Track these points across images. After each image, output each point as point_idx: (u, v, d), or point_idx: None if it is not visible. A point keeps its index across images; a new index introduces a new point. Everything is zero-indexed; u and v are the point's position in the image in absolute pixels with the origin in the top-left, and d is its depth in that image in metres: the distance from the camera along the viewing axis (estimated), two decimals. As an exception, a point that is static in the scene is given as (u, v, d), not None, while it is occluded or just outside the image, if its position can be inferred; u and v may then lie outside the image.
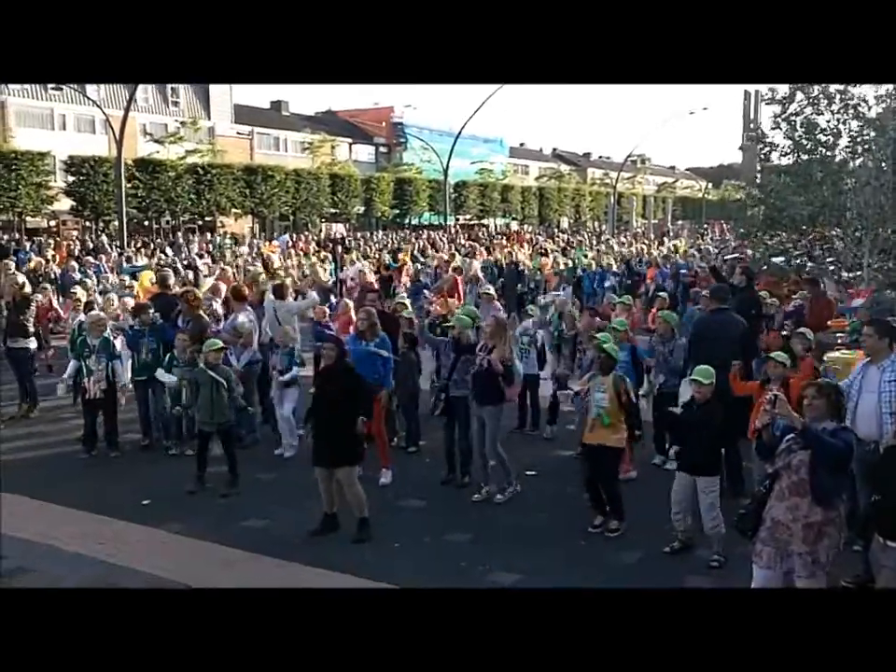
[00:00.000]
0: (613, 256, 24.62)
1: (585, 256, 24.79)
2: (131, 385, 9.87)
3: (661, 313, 9.67)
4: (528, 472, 8.70)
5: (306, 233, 40.40)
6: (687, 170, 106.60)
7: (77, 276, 18.05)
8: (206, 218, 43.31)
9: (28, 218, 36.01)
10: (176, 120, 44.88)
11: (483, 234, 46.96)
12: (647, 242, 35.17)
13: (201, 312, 10.15)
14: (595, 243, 36.85)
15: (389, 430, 9.25)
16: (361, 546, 6.86)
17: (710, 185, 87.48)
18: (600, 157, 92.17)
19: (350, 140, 60.67)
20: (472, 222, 60.18)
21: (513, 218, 64.01)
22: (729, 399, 7.20)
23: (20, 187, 33.63)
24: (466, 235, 42.98)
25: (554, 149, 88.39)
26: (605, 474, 7.19)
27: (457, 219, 57.57)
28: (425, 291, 15.94)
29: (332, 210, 50.84)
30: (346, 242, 32.64)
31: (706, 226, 60.15)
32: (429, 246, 30.92)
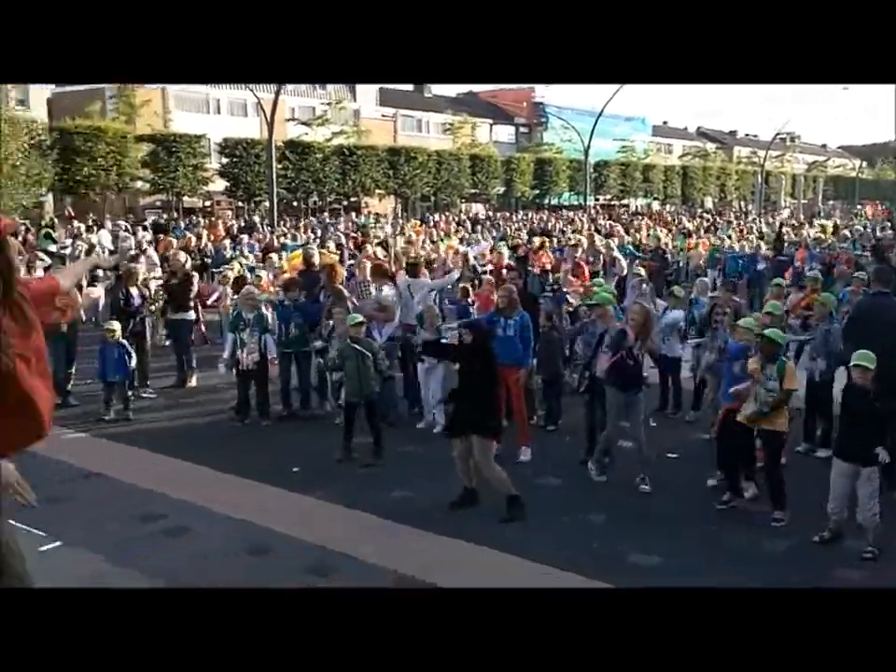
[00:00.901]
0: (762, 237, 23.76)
1: (729, 237, 24.03)
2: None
3: (820, 295, 9.31)
4: (669, 455, 8.57)
5: (446, 213, 40.73)
6: (839, 148, 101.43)
7: (229, 254, 18.88)
8: (351, 199, 44.31)
9: (185, 198, 37.80)
10: (323, 103, 46.03)
11: (623, 215, 46.14)
12: (794, 223, 33.65)
13: (340, 286, 10.48)
14: (741, 223, 35.57)
15: (529, 408, 9.28)
16: (497, 521, 6.94)
17: (864, 163, 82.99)
18: (747, 135, 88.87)
19: (491, 121, 60.71)
20: (612, 202, 59.22)
21: (655, 198, 62.60)
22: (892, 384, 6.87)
23: (178, 168, 35.40)
24: (606, 215, 42.34)
25: (699, 128, 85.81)
26: (769, 459, 7.03)
27: (597, 199, 56.78)
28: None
29: (472, 190, 51.10)
30: (485, 222, 32.81)
31: (858, 206, 57.18)
32: (569, 227, 30.63)
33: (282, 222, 30.02)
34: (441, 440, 9.10)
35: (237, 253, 19.03)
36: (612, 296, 8.54)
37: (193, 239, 18.68)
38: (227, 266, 14.55)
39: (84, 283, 13.76)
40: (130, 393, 10.26)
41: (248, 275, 14.34)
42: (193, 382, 11.83)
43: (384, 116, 53.00)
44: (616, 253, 17.38)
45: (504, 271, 11.99)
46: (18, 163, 26.91)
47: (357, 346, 8.58)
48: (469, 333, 7.30)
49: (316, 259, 12.20)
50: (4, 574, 3.39)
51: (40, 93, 34.98)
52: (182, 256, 13.21)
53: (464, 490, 7.24)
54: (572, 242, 18.43)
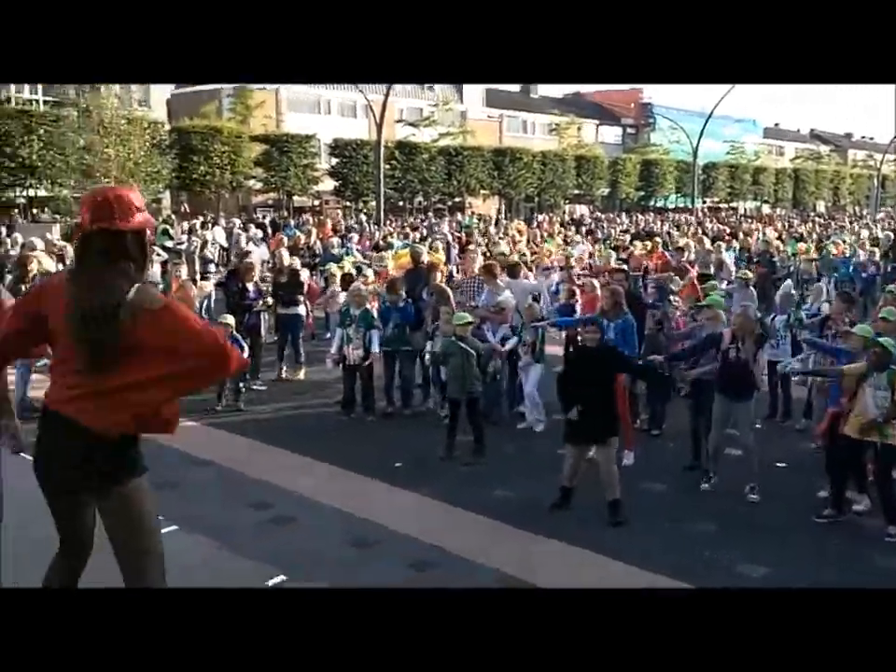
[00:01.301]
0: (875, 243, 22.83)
1: (843, 241, 23.18)
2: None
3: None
4: (778, 464, 8.35)
5: (550, 214, 40.56)
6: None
7: (337, 252, 19.25)
8: (455, 199, 44.57)
9: (295, 197, 38.73)
10: (430, 104, 46.45)
11: (731, 218, 45.02)
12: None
13: (442, 284, 10.58)
14: (855, 228, 34.21)
15: (632, 412, 9.19)
16: (600, 524, 6.90)
17: None
18: (863, 137, 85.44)
19: (597, 121, 60.13)
20: (720, 205, 57.85)
21: (765, 201, 60.85)
22: None
23: (289, 168, 36.29)
24: (713, 219, 41.39)
25: (812, 130, 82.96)
26: (881, 473, 6.80)
27: (704, 202, 55.58)
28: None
29: (577, 191, 50.73)
30: (589, 224, 32.52)
31: None
32: (675, 230, 30.09)
33: (388, 222, 30.45)
34: (541, 439, 9.18)
35: (345, 251, 19.38)
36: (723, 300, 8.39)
37: (303, 237, 19.12)
38: (335, 264, 14.81)
39: (197, 277, 14.28)
40: (241, 385, 10.58)
41: (355, 273, 14.61)
42: (301, 375, 12.13)
43: (489, 117, 53.12)
44: (724, 257, 17.03)
45: (609, 273, 11.89)
46: (139, 161, 28.06)
47: (461, 344, 8.65)
48: (594, 332, 7.27)
49: (425, 258, 12.33)
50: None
51: (160, 94, 36.37)
52: (286, 253, 13.56)
53: (562, 490, 7.22)
54: (679, 245, 18.14)
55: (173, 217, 26.81)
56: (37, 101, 31.78)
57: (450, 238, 20.91)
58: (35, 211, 30.56)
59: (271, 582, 5.48)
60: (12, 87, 31.54)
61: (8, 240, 16.57)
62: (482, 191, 45.30)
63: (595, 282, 11.60)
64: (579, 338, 7.45)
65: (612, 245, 19.47)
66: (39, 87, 32.31)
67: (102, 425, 3.29)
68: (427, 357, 10.09)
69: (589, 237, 25.88)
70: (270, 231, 23.98)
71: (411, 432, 9.61)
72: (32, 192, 29.82)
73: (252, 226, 25.20)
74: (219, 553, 6.01)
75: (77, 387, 3.32)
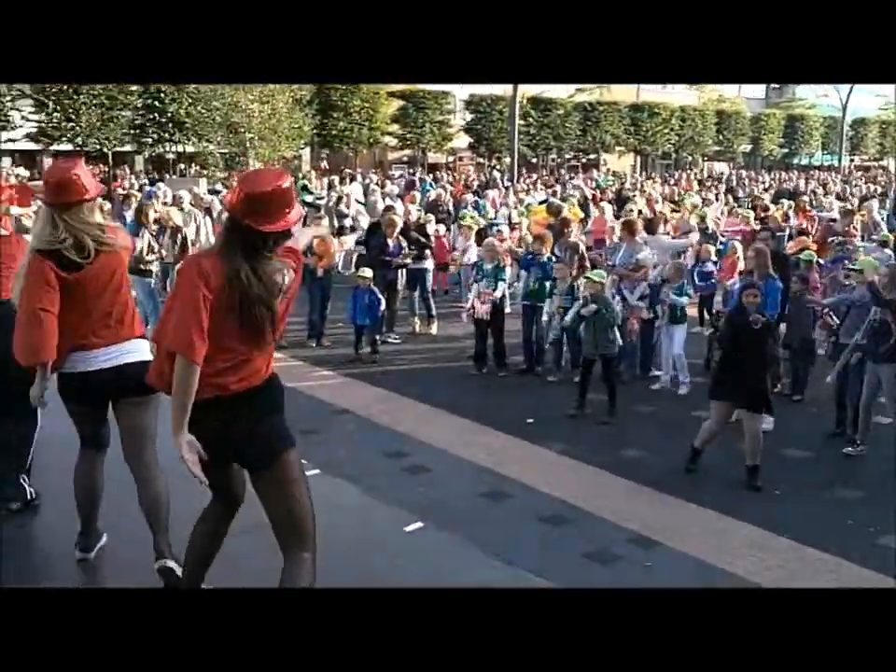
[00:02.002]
0: None
1: None
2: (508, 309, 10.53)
3: None
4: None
5: (688, 172, 39.40)
6: None
7: (471, 209, 19.29)
8: (590, 156, 43.86)
9: (430, 154, 38.97)
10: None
11: (881, 176, 42.58)
12: None
13: (575, 240, 10.48)
14: None
15: (773, 376, 8.92)
16: (737, 488, 6.78)
17: None
18: None
19: (741, 75, 57.68)
20: (869, 163, 54.78)
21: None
22: None
23: (425, 124, 36.48)
24: (862, 177, 39.24)
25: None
26: None
27: (852, 160, 52.75)
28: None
29: (716, 148, 49.05)
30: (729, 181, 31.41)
31: None
32: (821, 189, 28.71)
33: (521, 178, 30.27)
34: (673, 400, 9.06)
35: (473, 209, 19.41)
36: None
37: (441, 193, 19.26)
38: (469, 219, 14.86)
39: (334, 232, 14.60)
40: (377, 337, 10.83)
41: (489, 229, 14.66)
42: (433, 330, 12.31)
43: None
44: (876, 216, 16.20)
45: (753, 234, 11.52)
46: (282, 118, 28.77)
47: (595, 303, 8.59)
48: (755, 295, 7.10)
49: (565, 213, 12.24)
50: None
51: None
52: (413, 207, 13.69)
53: (693, 451, 7.11)
54: (824, 205, 17.35)
55: (312, 172, 27.43)
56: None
57: (587, 193, 20.60)
58: (182, 166, 31.89)
59: (408, 528, 5.66)
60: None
61: (160, 192, 17.35)
62: (617, 148, 44.37)
63: (737, 244, 11.26)
64: (718, 303, 7.31)
65: (751, 205, 18.75)
66: (188, 45, 33.39)
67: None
68: (546, 314, 10.08)
69: (729, 195, 25.00)
70: (404, 188, 24.26)
71: (544, 389, 9.63)
72: (180, 148, 31.08)
73: (389, 182, 25.54)
74: (361, 498, 6.22)
75: (241, 363, 3.47)
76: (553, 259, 10.30)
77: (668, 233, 12.87)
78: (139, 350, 4.42)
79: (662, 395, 9.39)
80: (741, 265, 10.28)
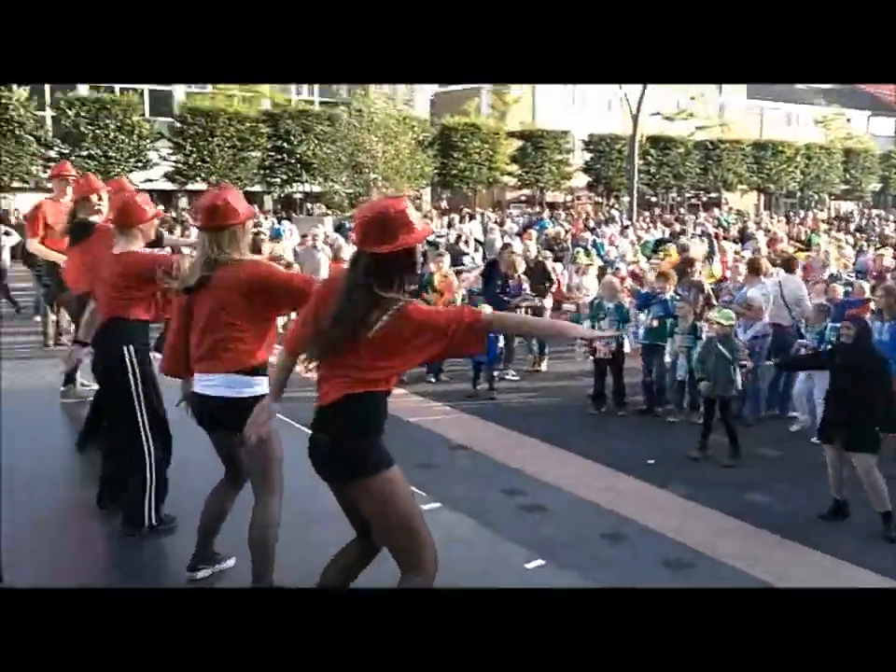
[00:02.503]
0: None
1: None
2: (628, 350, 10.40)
3: None
4: None
5: (814, 211, 38.23)
6: None
7: (588, 246, 19.23)
8: (711, 194, 43.10)
9: (548, 193, 39.12)
10: (691, 98, 45.19)
11: None
12: None
13: (699, 278, 10.31)
14: None
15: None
16: (877, 539, 6.49)
17: None
18: None
19: (869, 112, 55.76)
20: None
21: None
22: None
23: (544, 163, 36.67)
24: None
25: None
26: None
27: None
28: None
29: (844, 187, 47.41)
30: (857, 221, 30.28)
31: None
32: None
33: (640, 217, 30.02)
34: (802, 442, 8.74)
35: (590, 246, 19.35)
36: None
37: (561, 231, 19.31)
38: (584, 257, 14.83)
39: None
40: (495, 373, 10.89)
41: (608, 268, 14.60)
42: (543, 367, 12.31)
43: (750, 109, 50.80)
44: None
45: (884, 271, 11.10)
46: (405, 158, 29.45)
47: (720, 346, 8.43)
48: (850, 329, 6.88)
49: (692, 252, 12.09)
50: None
51: (424, 93, 37.93)
52: (533, 245, 13.76)
53: (833, 502, 6.85)
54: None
55: (433, 211, 27.89)
56: (314, 101, 34.22)
57: (711, 231, 20.27)
58: (308, 205, 32.97)
59: (529, 565, 5.64)
60: (293, 88, 34.17)
61: (288, 231, 18.02)
62: (739, 186, 43.46)
63: (864, 283, 10.87)
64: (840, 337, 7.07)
65: (881, 244, 18.07)
66: (316, 88, 34.77)
67: None
68: (668, 354, 9.92)
69: (859, 235, 24.15)
70: (520, 227, 24.45)
71: (664, 430, 9.47)
72: (307, 188, 32.17)
73: (508, 220, 25.75)
74: (481, 532, 6.23)
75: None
76: (677, 297, 10.17)
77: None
78: (233, 385, 4.22)
79: (795, 437, 9.09)
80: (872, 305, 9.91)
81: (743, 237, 20.97)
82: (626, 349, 10.70)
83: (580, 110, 44.24)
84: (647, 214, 33.19)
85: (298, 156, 30.46)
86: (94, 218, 6.34)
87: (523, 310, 11.77)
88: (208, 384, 4.21)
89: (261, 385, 4.19)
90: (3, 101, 24.59)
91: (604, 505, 7.09)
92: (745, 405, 9.64)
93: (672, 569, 5.91)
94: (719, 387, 8.44)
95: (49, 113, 28.07)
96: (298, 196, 32.97)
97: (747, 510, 7.04)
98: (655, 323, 10.09)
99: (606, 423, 9.78)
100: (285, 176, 30.78)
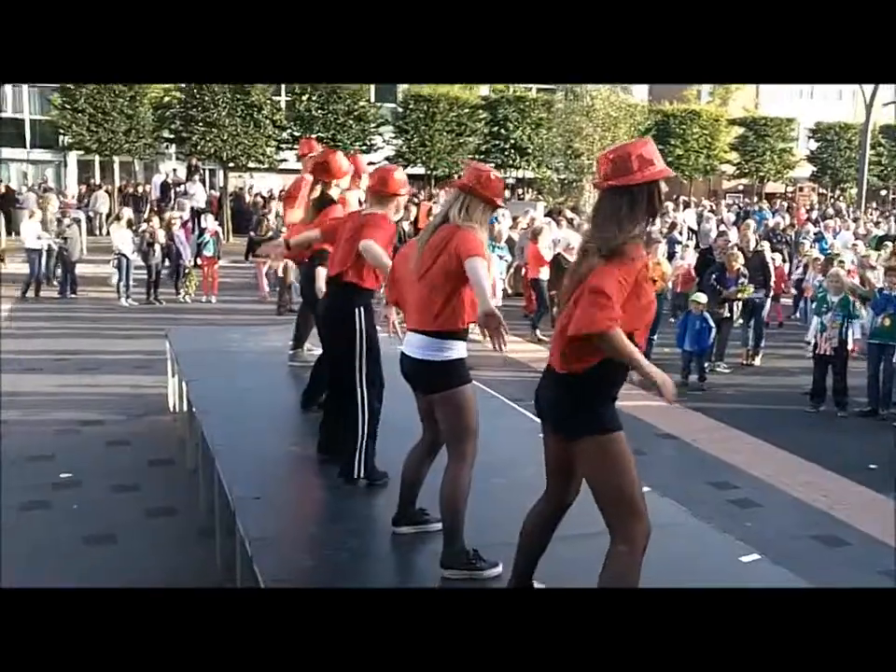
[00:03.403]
0: None
1: None
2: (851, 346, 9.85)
3: None
4: None
5: None
6: None
7: (811, 239, 18.29)
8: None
9: (768, 183, 37.41)
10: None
11: None
12: None
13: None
14: None
15: None
16: None
17: None
18: None
19: None
20: None
21: None
22: None
23: (766, 152, 35.08)
24: None
25: None
26: None
27: None
28: None
29: None
30: None
31: None
32: None
33: (868, 210, 28.18)
34: None
35: (819, 240, 18.42)
36: None
37: (775, 222, 18.55)
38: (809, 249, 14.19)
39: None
40: (706, 365, 10.67)
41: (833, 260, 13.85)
42: (757, 361, 11.96)
43: None
44: None
45: None
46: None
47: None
48: None
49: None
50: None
51: (645, 79, 37.19)
52: (752, 235, 13.27)
53: None
54: None
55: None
56: (531, 87, 34.40)
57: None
58: (520, 191, 33.23)
59: (745, 559, 5.53)
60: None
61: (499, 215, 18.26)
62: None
63: None
64: None
65: None
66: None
67: None
68: None
69: None
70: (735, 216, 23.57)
71: (888, 433, 8.95)
72: (520, 173, 32.44)
73: (725, 209, 24.91)
74: (691, 521, 6.17)
75: None
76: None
77: None
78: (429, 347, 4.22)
79: None
80: None
81: None
82: (849, 345, 10.13)
83: (807, 97, 41.98)
84: (875, 206, 31.13)
85: (513, 141, 30.74)
86: (333, 192, 6.69)
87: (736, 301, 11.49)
88: (410, 343, 4.29)
89: (457, 350, 4.21)
90: (246, 86, 26.29)
91: (819, 506, 6.86)
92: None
93: (891, 578, 5.62)
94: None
95: (283, 98, 29.82)
96: (510, 181, 33.29)
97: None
98: (886, 322, 9.53)
99: (824, 422, 9.39)
100: (499, 161, 31.16)
